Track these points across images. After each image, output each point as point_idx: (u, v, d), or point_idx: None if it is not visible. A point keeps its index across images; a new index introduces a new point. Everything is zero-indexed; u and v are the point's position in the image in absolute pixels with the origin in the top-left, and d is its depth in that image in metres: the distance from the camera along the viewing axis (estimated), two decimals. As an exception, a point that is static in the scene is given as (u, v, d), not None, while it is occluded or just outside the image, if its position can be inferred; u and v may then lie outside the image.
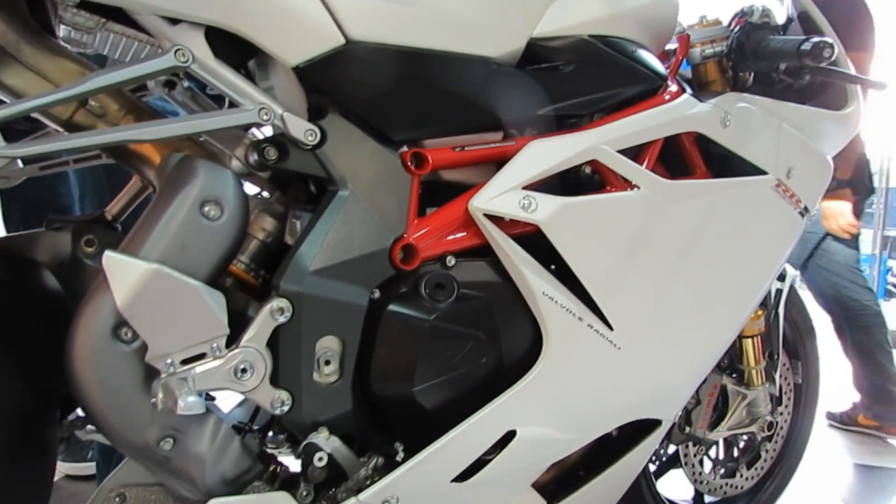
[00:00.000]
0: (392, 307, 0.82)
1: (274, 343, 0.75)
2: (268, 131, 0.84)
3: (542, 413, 0.89)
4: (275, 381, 0.75)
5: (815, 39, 0.98)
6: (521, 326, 0.88)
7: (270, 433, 0.87)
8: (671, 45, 1.20)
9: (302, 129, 0.77)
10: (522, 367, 0.88)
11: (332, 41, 0.77)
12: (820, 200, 1.28)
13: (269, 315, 0.73)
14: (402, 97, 0.83)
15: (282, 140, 0.77)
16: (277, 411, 0.75)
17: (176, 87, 0.95)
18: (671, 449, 1.46)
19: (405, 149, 0.85)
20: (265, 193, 0.93)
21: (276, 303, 0.74)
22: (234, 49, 0.75)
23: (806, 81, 1.16)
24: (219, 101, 1.12)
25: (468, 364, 0.85)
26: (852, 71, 1.17)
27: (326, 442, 0.77)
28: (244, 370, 0.72)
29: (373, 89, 0.81)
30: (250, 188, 0.99)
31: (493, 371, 0.87)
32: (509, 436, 0.87)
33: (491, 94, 0.87)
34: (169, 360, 0.68)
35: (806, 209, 1.19)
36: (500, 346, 0.87)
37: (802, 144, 1.17)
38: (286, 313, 0.74)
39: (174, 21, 0.71)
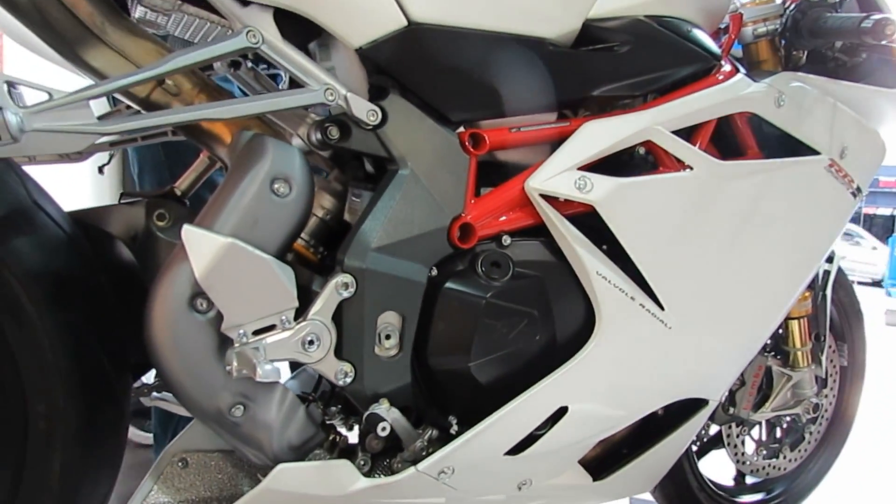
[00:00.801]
0: (449, 284, 0.83)
1: (338, 317, 0.76)
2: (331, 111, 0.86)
3: (594, 390, 0.89)
4: (339, 353, 0.77)
5: (877, 16, 0.95)
6: (575, 305, 0.89)
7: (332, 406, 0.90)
8: (723, 24, 1.18)
9: (364, 110, 0.78)
10: (575, 344, 0.88)
11: (395, 23, 0.78)
12: (872, 179, 1.26)
13: (335, 289, 0.75)
14: (461, 78, 0.83)
15: (344, 120, 0.79)
16: (341, 382, 0.77)
17: (240, 67, 0.97)
18: (713, 429, 1.45)
19: (463, 129, 0.85)
20: (324, 172, 0.95)
21: (341, 278, 0.75)
22: (299, 30, 0.76)
23: (861, 59, 1.13)
24: (276, 81, 1.14)
25: (522, 341, 0.86)
26: None
27: (388, 413, 0.79)
28: (311, 342, 0.74)
29: (432, 70, 0.82)
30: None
31: (546, 348, 0.88)
32: (561, 412, 0.88)
33: (547, 74, 0.87)
34: (241, 331, 0.70)
35: (859, 189, 1.16)
36: (553, 324, 0.88)
37: (857, 124, 1.14)
38: (350, 288, 0.76)
39: (245, 3, 0.73)
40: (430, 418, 0.86)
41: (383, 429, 0.78)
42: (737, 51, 1.23)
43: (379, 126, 0.79)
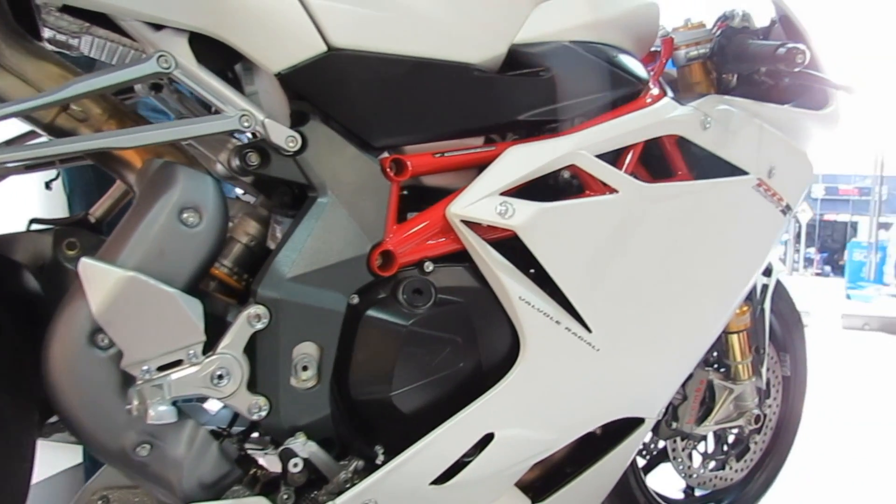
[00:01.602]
0: (370, 313, 0.81)
1: (251, 349, 0.74)
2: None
3: (520, 415, 0.87)
4: (252, 386, 0.74)
5: (790, 45, 0.96)
6: (499, 331, 0.87)
7: (256, 433, 0.87)
8: (657, 48, 1.18)
9: (283, 136, 0.76)
10: (500, 370, 0.86)
11: (314, 48, 0.76)
12: (802, 198, 1.27)
13: (247, 321, 0.73)
14: (383, 104, 0.82)
15: (264, 146, 0.76)
16: (255, 416, 0.74)
17: (163, 89, 0.94)
18: (661, 444, 1.44)
19: (386, 155, 0.83)
20: (250, 197, 0.92)
21: (254, 309, 0.73)
22: (220, 54, 0.74)
23: (786, 83, 1.14)
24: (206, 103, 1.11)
25: (446, 368, 0.84)
26: (827, 73, 1.15)
27: (303, 447, 0.76)
28: (221, 376, 0.71)
29: (354, 96, 0.80)
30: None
31: (471, 375, 0.86)
32: (487, 438, 0.86)
33: (472, 100, 0.86)
34: (145, 367, 0.68)
35: (788, 207, 1.17)
36: (477, 351, 0.86)
37: (784, 144, 1.14)
38: (263, 320, 0.73)
39: (158, 27, 0.70)
40: (355, 449, 0.84)
41: (295, 465, 0.76)
42: (674, 71, 1.23)
43: (299, 152, 0.77)
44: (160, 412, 0.65)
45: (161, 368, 0.69)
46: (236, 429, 0.89)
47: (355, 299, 0.81)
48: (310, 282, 0.76)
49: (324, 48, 0.76)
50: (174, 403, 0.69)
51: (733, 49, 1.06)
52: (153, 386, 0.67)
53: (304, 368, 0.77)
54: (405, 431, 0.83)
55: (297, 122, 0.80)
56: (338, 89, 0.79)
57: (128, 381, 0.68)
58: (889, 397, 3.03)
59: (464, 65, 0.84)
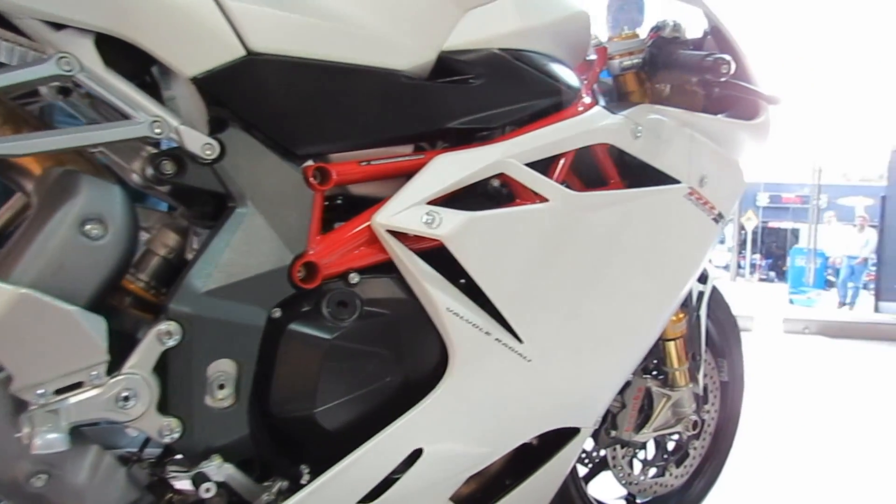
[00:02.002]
0: (293, 326, 0.78)
1: (162, 368, 0.70)
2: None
3: (450, 429, 0.85)
4: (163, 407, 0.70)
5: (716, 55, 0.97)
6: (428, 343, 0.85)
7: (177, 455, 0.82)
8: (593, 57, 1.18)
9: (199, 143, 0.73)
10: (429, 383, 0.84)
11: (232, 52, 0.73)
12: (734, 206, 1.28)
13: (156, 339, 0.69)
14: (306, 111, 0.79)
15: (179, 154, 0.73)
16: (166, 439, 0.70)
17: (71, 93, 0.89)
18: (603, 452, 1.44)
19: (310, 163, 0.81)
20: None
21: (164, 326, 0.69)
22: (134, 56, 0.70)
23: (717, 93, 1.15)
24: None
25: (372, 383, 0.82)
26: (756, 84, 1.17)
27: (218, 470, 0.72)
28: (127, 398, 0.67)
29: (275, 103, 0.78)
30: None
31: (398, 389, 0.83)
32: (416, 453, 0.84)
33: (400, 107, 0.84)
34: (41, 391, 0.63)
35: (720, 215, 1.18)
36: (405, 364, 0.84)
37: (715, 153, 1.16)
38: (175, 336, 0.69)
39: (58, 26, 0.66)
40: (279, 469, 0.80)
41: (207, 489, 0.72)
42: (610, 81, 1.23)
43: (216, 161, 0.74)
44: (48, 440, 0.61)
45: (60, 391, 0.64)
46: (153, 452, 0.84)
47: (277, 313, 0.78)
48: (227, 296, 0.73)
49: (242, 52, 0.73)
50: (77, 428, 0.65)
51: (664, 59, 1.07)
52: (48, 411, 0.63)
53: (221, 387, 0.73)
54: (331, 449, 0.80)
55: (216, 129, 0.76)
56: (258, 95, 0.76)
57: (22, 406, 0.64)
58: (824, 398, 3.12)
59: (391, 71, 0.83)
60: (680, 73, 1.07)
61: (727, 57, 0.96)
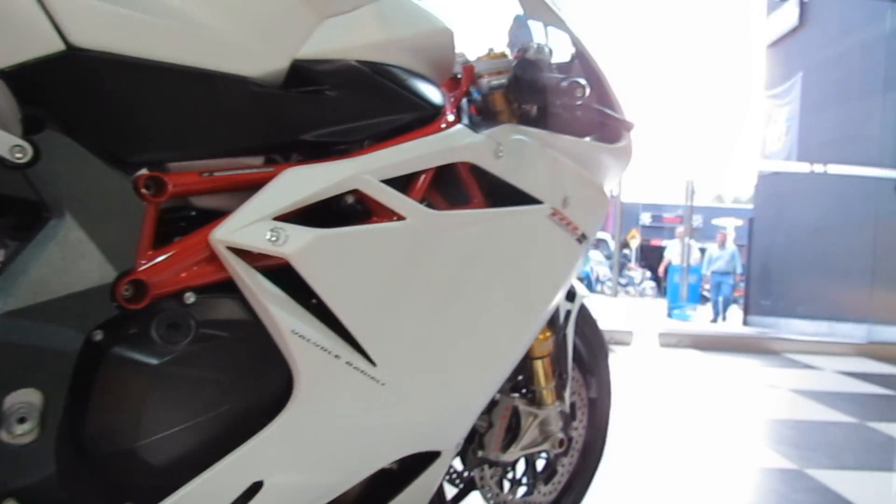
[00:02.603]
0: (116, 350, 0.71)
1: None
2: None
3: (294, 459, 0.81)
4: None
5: (572, 80, 0.99)
6: (272, 367, 0.80)
7: None
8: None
9: (8, 145, 0.65)
10: (273, 411, 0.80)
11: (48, 45, 0.66)
12: (599, 227, 1.32)
13: None
14: (138, 116, 0.73)
15: None
16: None
17: None
18: (472, 472, 1.43)
19: (144, 172, 0.75)
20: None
21: None
22: None
23: (579, 116, 1.18)
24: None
25: (208, 411, 0.76)
26: (617, 109, 1.22)
27: None
28: None
29: (101, 104, 0.71)
30: None
31: (238, 417, 0.78)
32: (255, 487, 0.78)
33: (246, 115, 0.80)
34: None
35: (584, 236, 1.21)
36: (246, 390, 0.79)
37: (578, 175, 1.19)
38: None
39: None
40: (99, 509, 0.73)
41: None
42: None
43: (28, 165, 0.67)
44: None
45: None
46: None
47: (98, 336, 0.71)
48: (33, 317, 0.66)
49: (61, 46, 0.67)
50: None
51: (526, 80, 1.08)
52: None
53: (21, 420, 0.65)
54: (158, 485, 0.73)
55: (30, 129, 0.69)
56: (80, 95, 0.70)
57: None
58: (687, 408, 3.30)
59: (237, 77, 0.78)
60: (539, 95, 1.09)
61: (582, 81, 0.99)
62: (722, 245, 10.88)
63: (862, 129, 7.88)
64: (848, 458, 2.50)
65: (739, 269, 10.84)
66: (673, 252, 11.14)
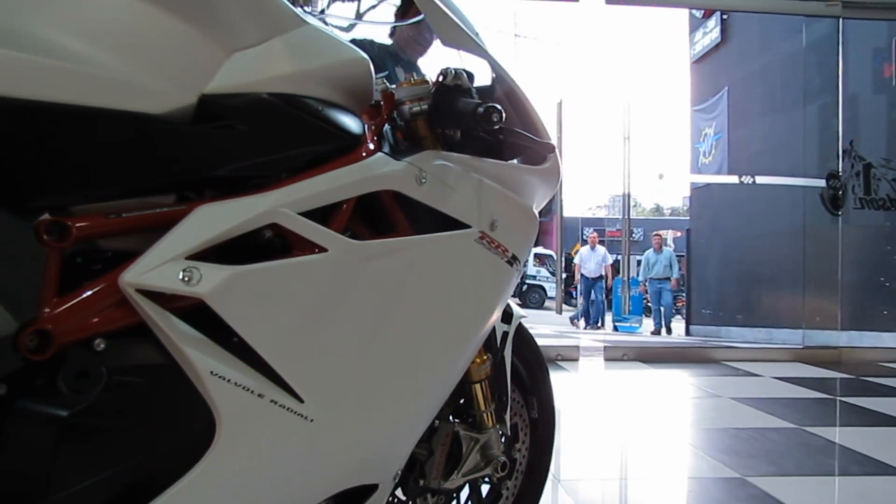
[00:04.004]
0: (21, 404, 0.69)
1: None
2: None
3: (218, 505, 0.79)
4: None
5: (488, 104, 1.01)
6: (192, 412, 0.78)
7: None
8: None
9: None
10: (195, 457, 0.78)
11: None
12: (530, 248, 1.35)
13: None
14: (33, 159, 0.71)
15: None
16: None
17: None
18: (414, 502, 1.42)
19: (46, 217, 0.72)
20: None
21: None
22: None
23: (501, 139, 1.21)
24: None
25: (122, 462, 0.74)
26: (537, 130, 1.25)
27: None
28: None
29: None
30: None
31: (157, 466, 0.76)
32: None
33: (152, 154, 0.79)
34: None
35: (514, 258, 1.23)
36: (164, 438, 0.77)
37: (505, 198, 1.21)
38: None
39: None
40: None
41: None
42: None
43: None
44: None
45: None
46: None
47: (2, 390, 0.68)
48: None
49: None
50: None
51: (445, 106, 1.10)
52: None
53: None
54: None
55: None
56: None
57: None
58: (634, 421, 3.37)
59: (142, 115, 0.77)
60: (458, 121, 1.10)
61: (497, 106, 1.01)
62: (659, 249, 10.86)
63: (787, 141, 8.30)
64: (789, 464, 2.59)
65: (676, 274, 10.84)
66: (583, 258, 11.08)
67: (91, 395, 0.72)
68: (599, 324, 10.84)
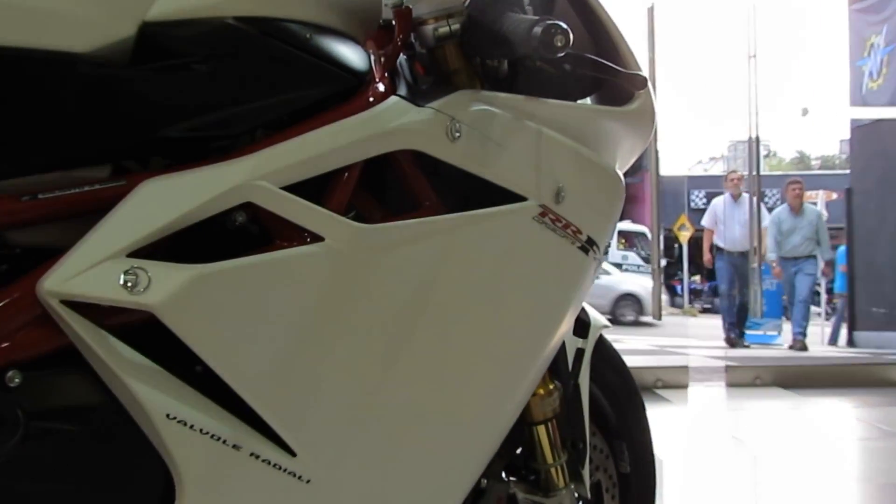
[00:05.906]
0: None
1: None
2: None
3: None
4: None
5: (548, 21, 1.00)
6: (141, 467, 0.83)
7: None
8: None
9: None
10: None
11: None
12: (615, 227, 1.35)
13: None
14: None
15: None
16: None
17: None
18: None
19: None
20: None
21: None
22: None
23: (568, 72, 1.22)
24: None
25: None
26: (625, 61, 1.25)
27: None
28: None
29: None
30: None
31: None
32: None
33: (80, 108, 0.83)
34: None
35: (590, 241, 1.22)
36: (103, 501, 0.81)
37: (576, 155, 1.21)
38: None
39: None
40: None
41: None
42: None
43: None
44: None
45: None
46: None
47: None
48: None
49: None
50: None
51: (487, 25, 1.11)
52: None
53: None
54: None
55: None
56: None
57: None
58: (776, 476, 3.36)
59: (62, 55, 0.80)
60: (503, 46, 1.11)
61: (561, 24, 1.00)
62: (797, 208, 9.51)
63: None
64: None
65: (826, 250, 9.66)
66: (720, 216, 9.56)
67: (3, 449, 0.75)
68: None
